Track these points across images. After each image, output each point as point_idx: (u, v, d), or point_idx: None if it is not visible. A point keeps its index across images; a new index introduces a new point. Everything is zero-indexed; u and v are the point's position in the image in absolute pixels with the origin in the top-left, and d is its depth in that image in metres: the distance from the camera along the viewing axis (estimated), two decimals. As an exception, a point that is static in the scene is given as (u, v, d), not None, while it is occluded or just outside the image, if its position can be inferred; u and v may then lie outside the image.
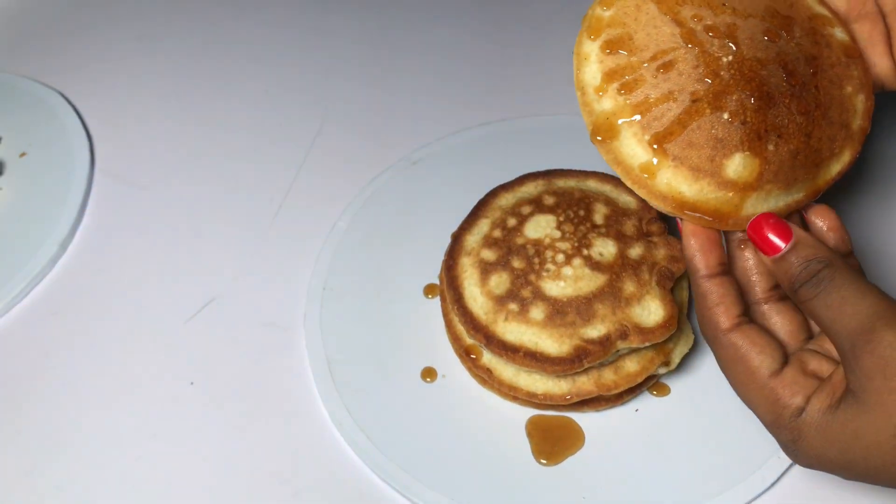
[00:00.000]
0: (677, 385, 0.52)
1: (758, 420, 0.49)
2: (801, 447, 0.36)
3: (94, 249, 0.63)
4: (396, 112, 0.70)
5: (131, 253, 0.62)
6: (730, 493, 0.47)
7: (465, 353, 0.51)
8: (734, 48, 0.38)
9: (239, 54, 0.76)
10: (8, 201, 0.65)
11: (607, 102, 0.38)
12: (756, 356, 0.37)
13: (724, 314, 0.38)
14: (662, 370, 0.50)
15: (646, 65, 0.38)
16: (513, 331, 0.47)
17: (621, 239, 0.49)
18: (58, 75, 0.75)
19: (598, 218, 0.50)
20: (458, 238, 0.53)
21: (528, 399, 0.49)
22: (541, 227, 0.50)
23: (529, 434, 0.50)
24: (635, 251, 0.49)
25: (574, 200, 0.52)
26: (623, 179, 0.39)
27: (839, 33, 0.42)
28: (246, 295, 0.59)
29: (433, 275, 0.58)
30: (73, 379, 0.56)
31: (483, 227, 0.52)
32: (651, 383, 0.52)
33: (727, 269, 0.40)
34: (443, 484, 0.48)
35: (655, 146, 0.38)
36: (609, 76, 0.38)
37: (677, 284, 0.50)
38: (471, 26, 0.77)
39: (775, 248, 0.37)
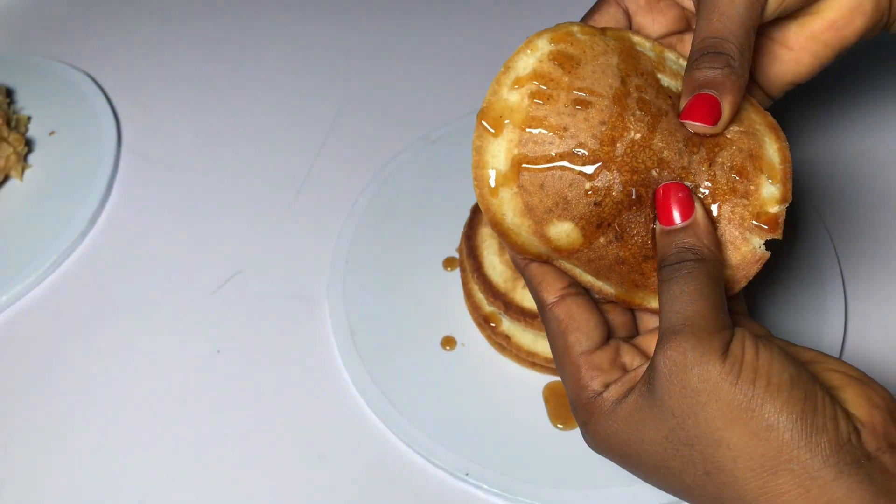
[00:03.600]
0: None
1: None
2: (589, 430, 0.36)
3: (121, 224, 0.65)
4: (415, 92, 0.72)
5: (158, 227, 0.64)
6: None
7: (485, 321, 0.52)
8: (647, 132, 0.37)
9: (262, 37, 0.78)
10: (39, 177, 0.67)
11: (514, 96, 0.37)
12: (573, 332, 0.37)
13: (546, 290, 0.38)
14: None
15: (569, 92, 0.37)
16: (531, 298, 0.49)
17: None
18: (86, 58, 0.77)
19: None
20: (477, 210, 0.54)
21: (546, 365, 0.51)
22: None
23: (546, 399, 0.51)
24: None
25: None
26: (472, 166, 0.38)
27: (769, 187, 0.38)
28: (270, 268, 0.61)
29: (452, 248, 0.59)
30: (104, 348, 0.58)
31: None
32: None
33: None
34: (462, 447, 0.50)
35: (514, 164, 0.37)
36: (535, 76, 0.37)
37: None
38: (488, 5, 0.78)
39: (669, 221, 0.36)
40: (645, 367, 0.35)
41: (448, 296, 0.57)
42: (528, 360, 0.51)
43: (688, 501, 0.34)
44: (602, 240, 0.37)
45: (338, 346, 0.55)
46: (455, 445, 0.50)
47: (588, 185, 0.36)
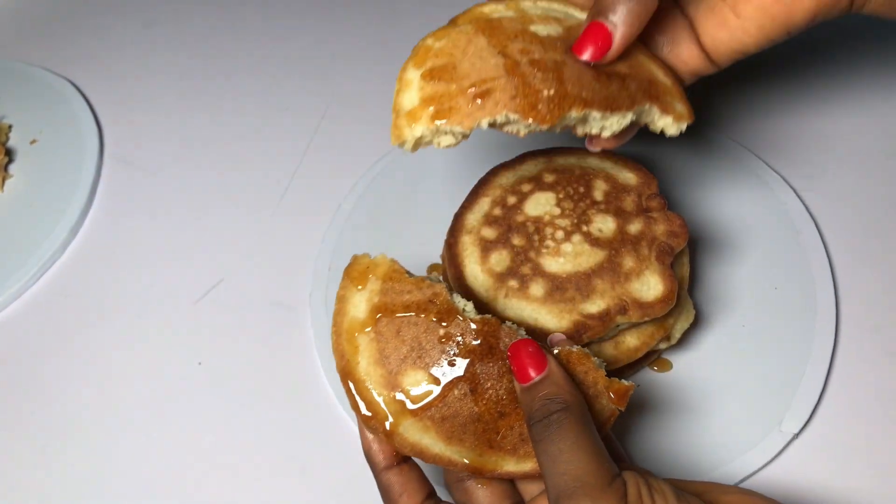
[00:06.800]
0: (679, 361, 0.52)
1: (760, 396, 0.49)
2: None
3: (104, 233, 0.64)
4: (400, 95, 0.71)
5: (141, 236, 0.64)
6: (729, 467, 0.47)
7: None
8: (558, 84, 0.37)
9: (244, 41, 0.77)
10: (19, 187, 0.66)
11: (419, 129, 0.38)
12: None
13: (408, 502, 0.38)
14: (663, 345, 0.50)
15: (463, 93, 0.37)
16: (513, 307, 0.48)
17: (621, 215, 0.50)
18: (67, 64, 0.76)
19: (598, 194, 0.51)
20: (459, 217, 0.53)
21: (530, 374, 0.50)
22: (540, 205, 0.51)
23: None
24: (634, 227, 0.49)
25: (574, 177, 0.52)
26: (333, 314, 0.40)
27: (678, 105, 0.41)
28: (253, 276, 0.60)
29: (436, 255, 0.58)
30: (86, 359, 0.57)
31: (484, 205, 0.53)
32: (652, 359, 0.52)
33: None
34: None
35: (373, 311, 0.39)
36: (426, 101, 0.38)
37: (677, 260, 0.51)
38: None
39: (526, 378, 0.36)
40: None
41: (432, 303, 0.56)
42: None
43: None
44: (456, 392, 0.37)
45: (319, 355, 0.54)
46: (438, 457, 0.49)
47: (441, 332, 0.37)
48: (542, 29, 0.40)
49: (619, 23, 0.38)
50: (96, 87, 0.74)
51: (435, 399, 0.37)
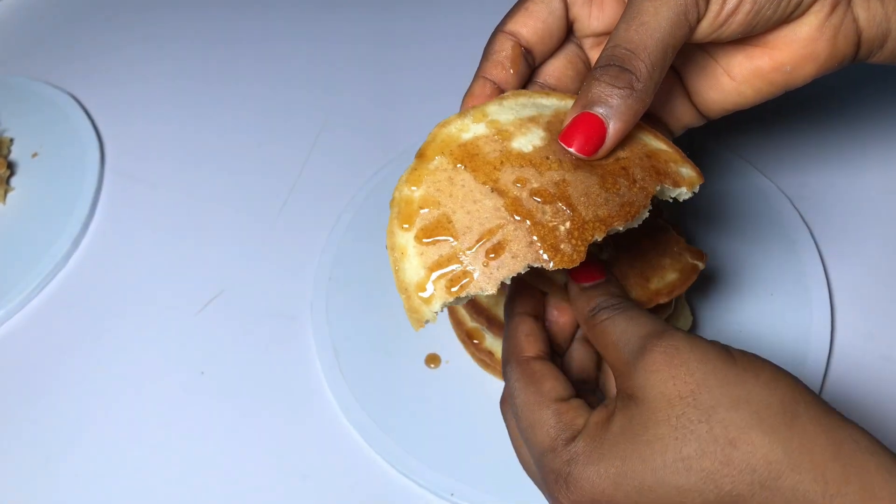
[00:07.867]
0: (677, 367, 0.53)
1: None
2: (572, 474, 0.33)
3: (105, 245, 0.65)
4: (398, 107, 0.72)
5: (142, 248, 0.64)
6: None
7: (468, 338, 0.52)
8: (572, 213, 0.33)
9: (244, 53, 0.77)
10: (21, 200, 0.67)
11: (438, 304, 0.33)
12: (550, 381, 0.37)
13: (531, 344, 0.39)
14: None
15: (472, 251, 0.33)
16: None
17: None
18: (67, 77, 0.77)
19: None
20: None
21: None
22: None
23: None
24: None
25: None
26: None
27: (684, 170, 0.37)
28: (254, 286, 0.61)
29: (436, 264, 0.59)
30: (88, 370, 0.57)
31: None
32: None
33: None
34: (447, 466, 0.49)
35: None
36: (432, 268, 0.33)
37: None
38: (471, 22, 0.77)
39: (592, 277, 0.39)
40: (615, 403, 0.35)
41: (432, 312, 0.56)
42: (512, 376, 0.51)
43: (717, 489, 0.31)
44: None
45: (321, 365, 0.55)
46: (440, 465, 0.49)
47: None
48: (524, 143, 0.35)
49: (614, 117, 0.35)
50: (97, 100, 0.74)
51: None
